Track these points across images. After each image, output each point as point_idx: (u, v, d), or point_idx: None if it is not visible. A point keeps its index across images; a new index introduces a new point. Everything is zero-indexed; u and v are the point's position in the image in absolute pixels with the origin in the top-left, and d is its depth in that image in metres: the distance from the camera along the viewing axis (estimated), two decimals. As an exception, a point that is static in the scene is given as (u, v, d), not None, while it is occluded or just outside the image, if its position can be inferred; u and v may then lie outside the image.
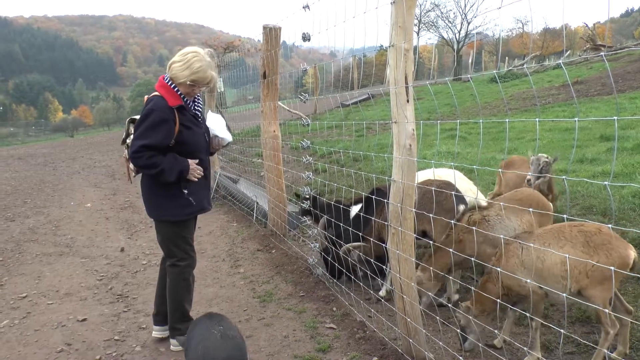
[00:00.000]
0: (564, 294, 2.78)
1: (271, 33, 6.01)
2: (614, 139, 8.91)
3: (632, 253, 2.89)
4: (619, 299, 3.17)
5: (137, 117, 3.60)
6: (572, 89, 15.73)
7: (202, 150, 3.79)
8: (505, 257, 3.26)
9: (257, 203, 7.57)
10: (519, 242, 3.16)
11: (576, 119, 1.97)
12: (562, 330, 2.39)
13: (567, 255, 2.79)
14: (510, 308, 3.41)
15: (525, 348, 3.09)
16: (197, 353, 2.77)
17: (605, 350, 2.95)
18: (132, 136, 3.62)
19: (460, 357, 3.16)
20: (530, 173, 4.41)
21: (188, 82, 3.53)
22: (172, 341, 3.90)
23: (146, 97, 3.63)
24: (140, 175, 3.77)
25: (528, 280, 2.99)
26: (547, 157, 4.46)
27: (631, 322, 3.10)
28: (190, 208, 3.74)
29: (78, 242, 7.14)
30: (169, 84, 3.56)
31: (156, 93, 3.56)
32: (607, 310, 2.89)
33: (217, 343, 2.80)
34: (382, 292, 4.63)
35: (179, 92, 3.56)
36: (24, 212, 9.13)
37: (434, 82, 24.86)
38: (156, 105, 3.46)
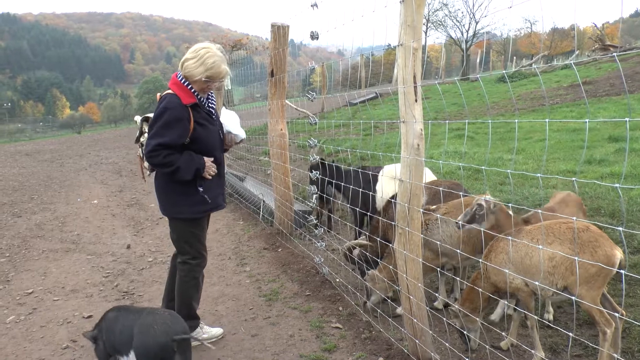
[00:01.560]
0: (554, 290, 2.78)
1: (279, 31, 6.00)
2: (622, 140, 8.85)
3: (618, 253, 2.87)
4: (608, 300, 3.15)
5: (151, 115, 3.57)
6: (581, 89, 15.64)
7: (217, 148, 3.77)
8: (494, 253, 3.26)
9: (264, 201, 7.56)
10: (508, 239, 3.13)
11: (586, 120, 1.95)
12: (570, 334, 2.36)
13: (541, 247, 2.77)
14: (515, 309, 3.39)
15: (533, 351, 3.07)
16: (154, 334, 2.95)
17: (615, 355, 2.91)
18: (146, 134, 3.60)
19: (467, 359, 3.13)
20: (461, 217, 3.56)
21: (203, 79, 3.51)
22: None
23: (159, 94, 3.62)
24: (154, 172, 3.76)
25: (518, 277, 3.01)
26: (484, 202, 3.50)
27: (627, 320, 3.07)
28: (205, 205, 3.73)
29: (84, 239, 7.16)
30: (182, 82, 3.53)
31: (169, 91, 3.53)
32: (599, 307, 2.87)
33: (169, 316, 3.11)
34: (389, 293, 4.60)
35: (192, 90, 3.55)
36: (30, 208, 9.17)
37: (442, 82, 24.78)
38: (170, 104, 3.44)
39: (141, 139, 3.72)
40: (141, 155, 3.72)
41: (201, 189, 3.66)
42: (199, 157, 3.57)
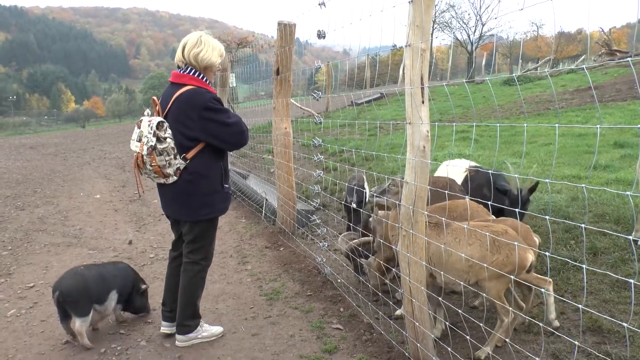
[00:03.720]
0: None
1: (286, 29, 5.97)
2: (627, 146, 8.81)
3: (530, 256, 3.27)
4: (513, 295, 3.50)
5: (160, 119, 3.44)
6: (587, 94, 15.59)
7: None
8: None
9: (266, 200, 7.54)
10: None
11: (597, 126, 1.92)
12: (576, 342, 2.33)
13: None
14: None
15: (537, 358, 3.04)
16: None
17: (505, 339, 3.14)
18: (169, 139, 3.44)
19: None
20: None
21: (219, 61, 3.62)
22: (179, 337, 3.87)
23: (179, 92, 3.48)
24: (158, 180, 3.62)
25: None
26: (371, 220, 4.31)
27: (632, 328, 3.07)
28: (229, 200, 3.84)
29: (86, 234, 7.15)
30: (199, 76, 3.54)
31: (190, 87, 3.49)
32: (503, 300, 3.21)
33: (69, 274, 3.92)
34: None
35: (208, 83, 3.60)
36: (33, 202, 9.17)
37: (448, 83, 24.73)
38: (209, 93, 3.49)
39: (159, 146, 3.41)
40: (160, 165, 3.45)
41: (227, 186, 3.74)
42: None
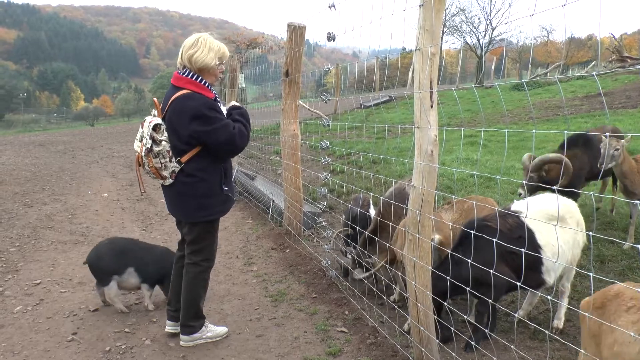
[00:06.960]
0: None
1: (296, 31, 5.98)
2: (637, 153, 8.73)
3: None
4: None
5: (158, 121, 3.47)
6: (596, 100, 15.50)
7: None
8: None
9: (273, 201, 7.55)
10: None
11: (606, 133, 1.91)
12: (582, 350, 2.32)
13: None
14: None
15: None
16: None
17: None
18: (164, 143, 3.46)
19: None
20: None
21: (217, 63, 3.55)
22: (184, 337, 3.88)
23: (175, 96, 3.47)
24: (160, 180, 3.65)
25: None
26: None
27: None
28: (229, 202, 3.81)
29: (93, 232, 7.18)
30: (196, 79, 3.51)
31: (186, 91, 3.46)
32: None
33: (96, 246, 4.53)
34: (395, 296, 4.57)
35: (207, 86, 3.55)
36: (41, 199, 9.22)
37: (457, 88, 24.67)
38: (201, 99, 3.44)
39: (155, 149, 3.45)
40: (157, 166, 3.49)
41: (226, 189, 3.71)
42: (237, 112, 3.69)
